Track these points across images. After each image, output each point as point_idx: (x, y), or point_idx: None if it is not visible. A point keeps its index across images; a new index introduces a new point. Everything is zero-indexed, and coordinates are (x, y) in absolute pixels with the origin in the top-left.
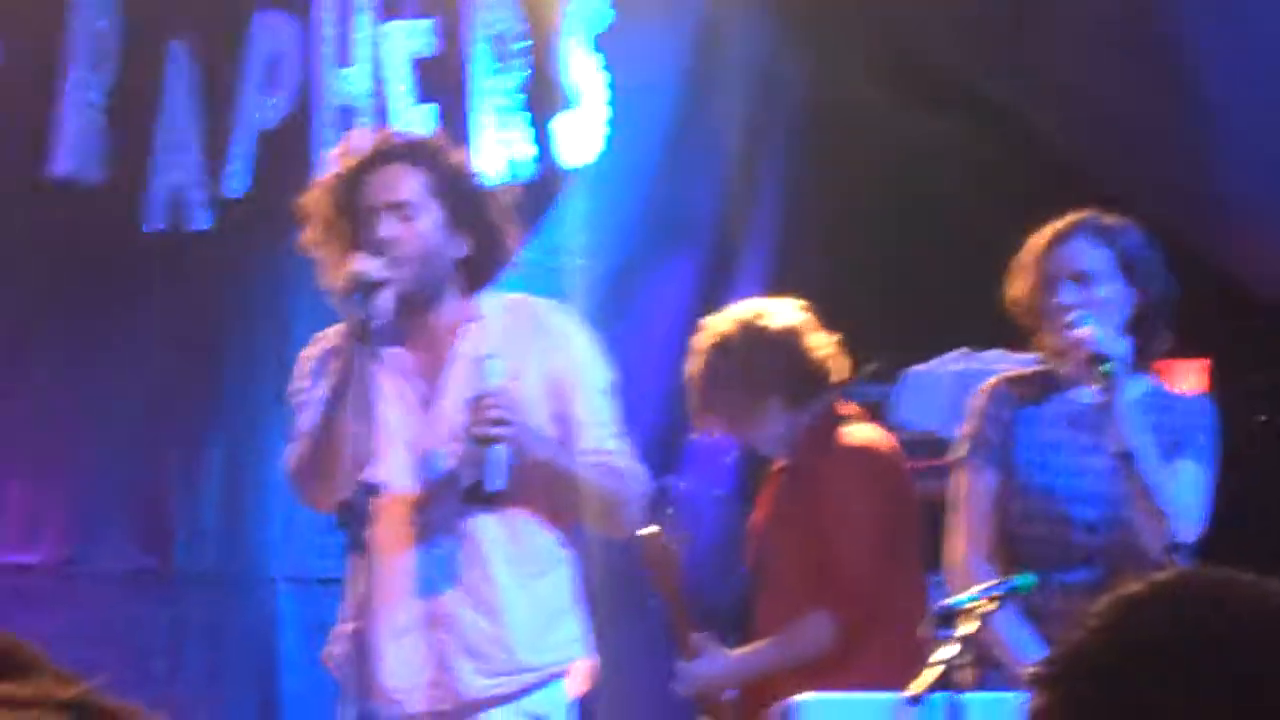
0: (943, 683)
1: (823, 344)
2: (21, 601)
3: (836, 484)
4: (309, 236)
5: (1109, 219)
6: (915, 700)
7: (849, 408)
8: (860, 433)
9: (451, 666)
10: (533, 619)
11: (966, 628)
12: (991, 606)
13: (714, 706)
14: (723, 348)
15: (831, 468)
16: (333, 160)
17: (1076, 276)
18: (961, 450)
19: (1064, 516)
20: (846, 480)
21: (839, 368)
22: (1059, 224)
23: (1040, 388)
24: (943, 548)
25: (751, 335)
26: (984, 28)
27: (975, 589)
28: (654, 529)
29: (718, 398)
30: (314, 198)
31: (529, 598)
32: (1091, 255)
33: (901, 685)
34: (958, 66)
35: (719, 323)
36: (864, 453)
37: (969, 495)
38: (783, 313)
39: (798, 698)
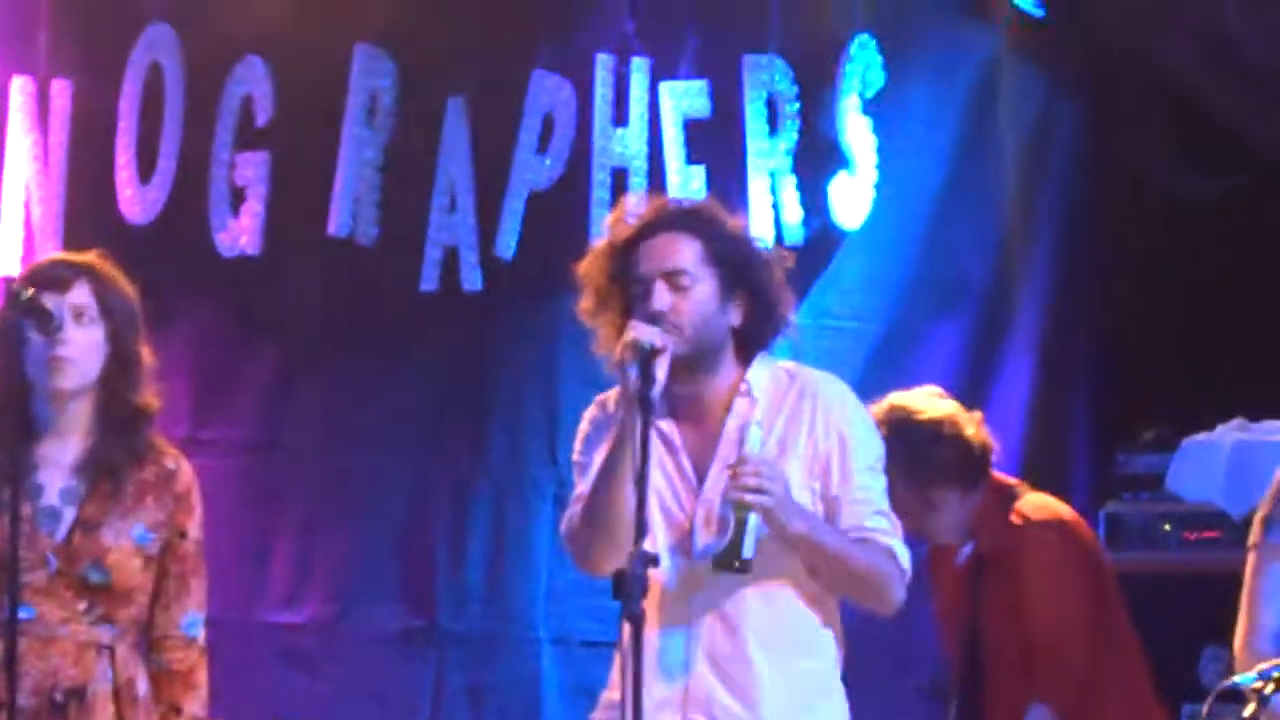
0: None
1: (975, 422)
2: (289, 661)
3: (1034, 564)
4: (584, 304)
5: None
6: None
7: (1007, 478)
8: (1037, 502)
9: None
10: (789, 702)
11: (1248, 709)
12: (1273, 688)
13: None
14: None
15: (1025, 548)
16: (609, 226)
17: None
18: (1258, 533)
19: None
20: (1043, 558)
21: (991, 443)
22: None
23: None
24: (1235, 631)
25: (909, 432)
26: (1268, 80)
27: (1259, 668)
28: None
29: (892, 498)
30: (589, 264)
31: (786, 679)
32: None
33: None
34: (1241, 120)
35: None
36: (1052, 525)
37: (1267, 577)
38: (927, 403)
39: None
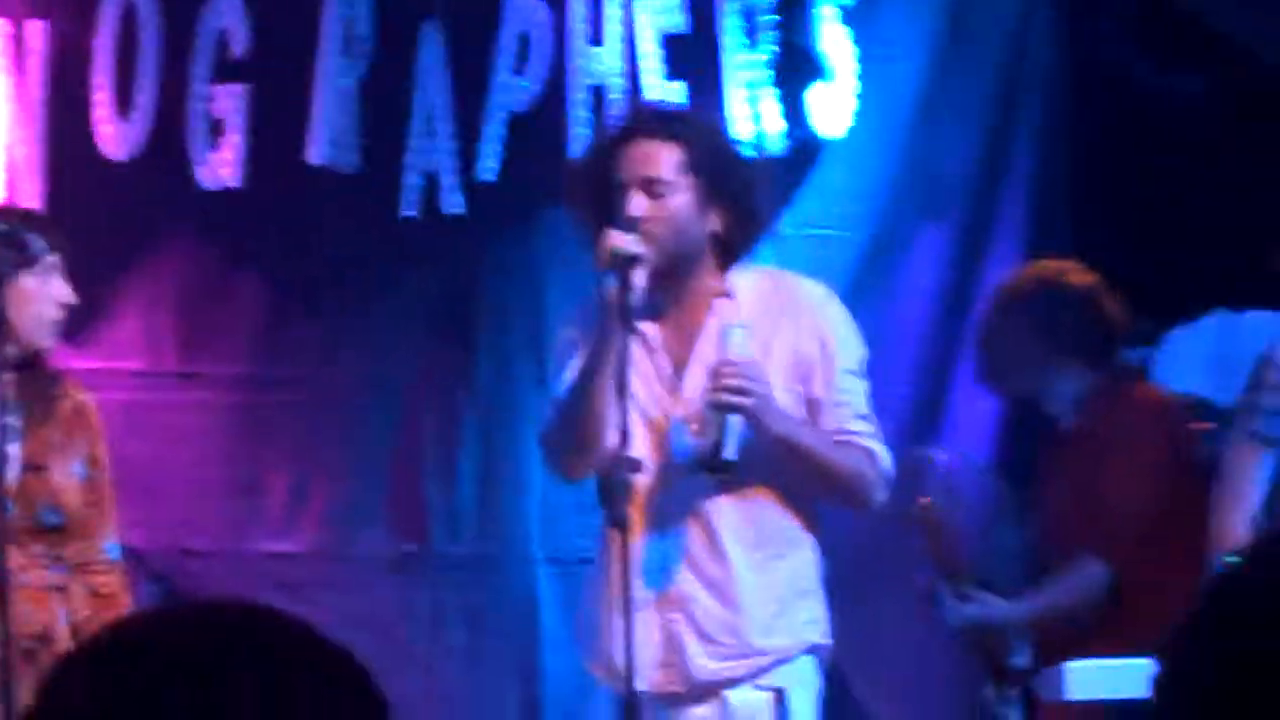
0: None
1: (1117, 304)
2: (283, 589)
3: (1123, 435)
4: (570, 211)
5: None
6: None
7: (1133, 369)
8: (1150, 389)
9: (682, 648)
10: (768, 603)
11: None
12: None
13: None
14: (1023, 305)
15: (1119, 421)
16: (593, 133)
17: None
18: (1245, 422)
19: None
20: (1133, 431)
21: (1128, 328)
22: None
23: None
24: (1212, 518)
25: (1054, 293)
26: None
27: (1239, 551)
28: (925, 501)
29: (1013, 356)
30: (573, 172)
31: (765, 581)
32: None
33: None
34: (1219, 17)
35: (1017, 281)
36: (1155, 406)
37: (1252, 468)
38: (1081, 272)
39: (1069, 665)
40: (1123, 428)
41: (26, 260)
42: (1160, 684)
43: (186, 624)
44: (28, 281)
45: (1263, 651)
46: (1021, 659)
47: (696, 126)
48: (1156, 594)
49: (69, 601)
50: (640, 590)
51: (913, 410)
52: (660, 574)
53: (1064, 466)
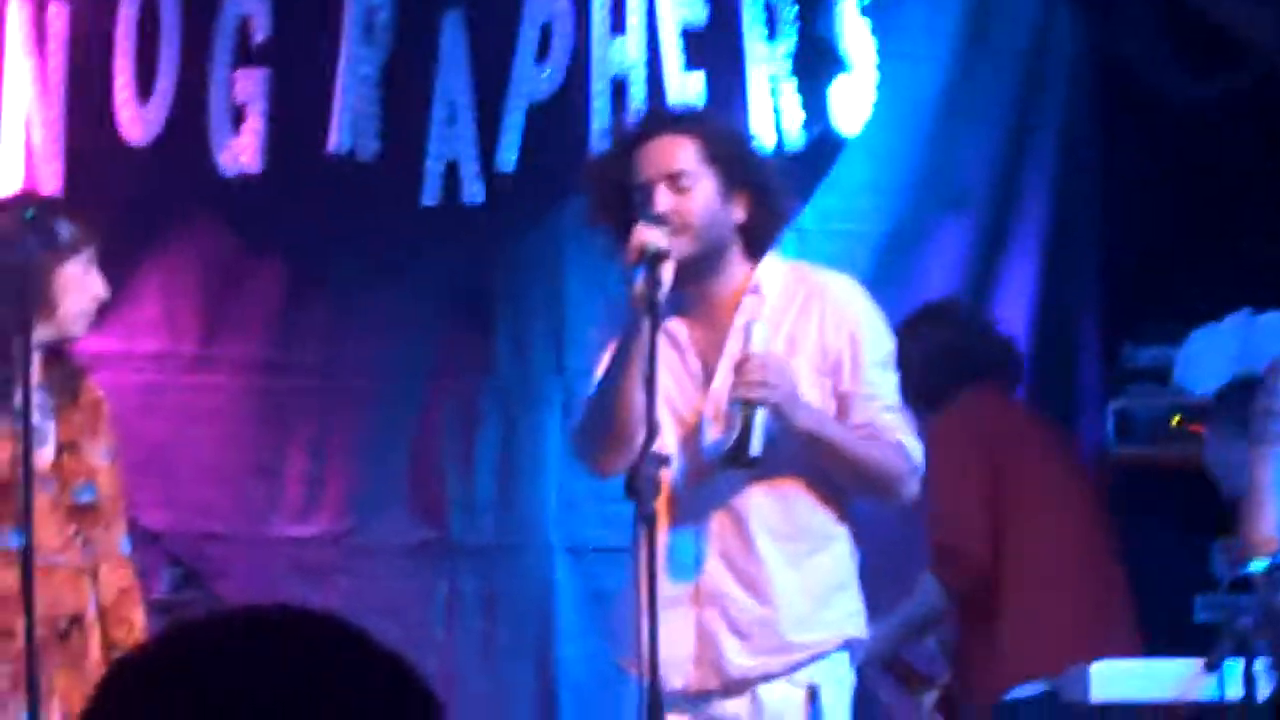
0: (1239, 649)
1: (984, 330)
2: (300, 574)
3: (936, 445)
4: (589, 211)
5: None
6: (1212, 666)
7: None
8: (974, 396)
9: (717, 644)
10: (803, 598)
11: (1264, 595)
12: None
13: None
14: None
15: (937, 430)
16: (608, 133)
17: None
18: (1260, 424)
19: None
20: (944, 441)
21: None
22: None
23: None
24: (1243, 524)
25: (916, 328)
26: None
27: (1271, 554)
28: None
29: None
30: (591, 172)
31: (799, 576)
32: None
33: (1082, 643)
34: (1242, 20)
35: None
36: (964, 414)
37: (1271, 467)
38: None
39: (1094, 666)
40: (936, 440)
41: (65, 248)
42: None
43: (257, 632)
44: (73, 269)
45: None
46: (932, 666)
47: (710, 120)
48: (1013, 591)
49: (98, 586)
50: (672, 586)
51: None
52: (690, 569)
53: None
